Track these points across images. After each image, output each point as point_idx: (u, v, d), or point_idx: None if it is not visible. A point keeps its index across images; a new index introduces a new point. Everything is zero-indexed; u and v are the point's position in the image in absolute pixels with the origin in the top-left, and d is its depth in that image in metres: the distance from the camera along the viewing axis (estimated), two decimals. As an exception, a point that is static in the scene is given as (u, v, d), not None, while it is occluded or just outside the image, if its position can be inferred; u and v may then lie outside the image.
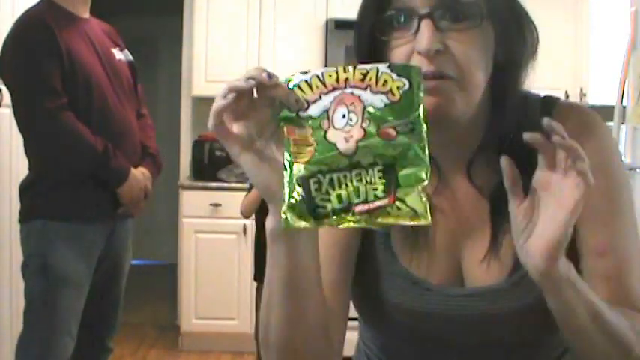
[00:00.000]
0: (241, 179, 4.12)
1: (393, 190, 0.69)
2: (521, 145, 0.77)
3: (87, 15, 2.52)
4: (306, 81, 0.74)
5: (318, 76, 0.73)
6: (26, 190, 2.47)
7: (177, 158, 4.69)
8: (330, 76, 0.73)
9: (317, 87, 0.73)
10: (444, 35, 0.82)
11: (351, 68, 0.73)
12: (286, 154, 0.73)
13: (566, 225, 0.74)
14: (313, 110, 0.73)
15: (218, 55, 4.33)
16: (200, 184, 4.20)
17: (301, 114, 0.73)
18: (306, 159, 0.71)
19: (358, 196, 0.70)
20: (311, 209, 0.70)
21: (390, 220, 0.69)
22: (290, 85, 0.74)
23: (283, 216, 0.71)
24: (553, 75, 4.31)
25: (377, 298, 0.94)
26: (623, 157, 2.67)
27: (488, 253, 0.90)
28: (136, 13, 5.67)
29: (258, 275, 3.07)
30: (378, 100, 0.72)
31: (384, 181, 0.70)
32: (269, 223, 0.79)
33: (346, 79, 0.73)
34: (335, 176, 0.71)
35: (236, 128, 0.75)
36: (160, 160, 2.66)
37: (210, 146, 4.35)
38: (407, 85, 0.72)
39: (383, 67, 0.73)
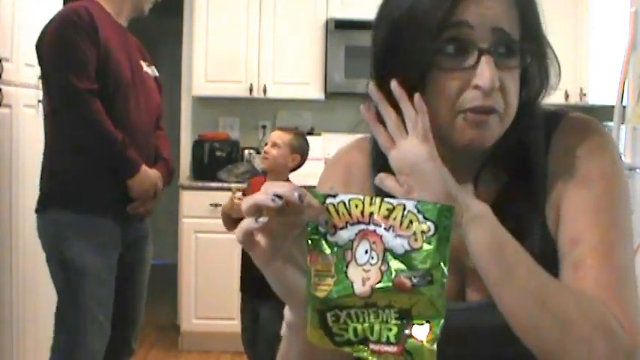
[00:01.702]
0: (241, 179, 4.13)
1: (404, 339, 0.70)
2: (522, 157, 0.81)
3: (125, 25, 2.62)
4: (333, 205, 0.72)
5: (344, 204, 0.72)
6: (42, 178, 2.51)
7: (177, 158, 4.69)
8: (357, 206, 0.72)
9: (343, 215, 0.72)
10: (500, 73, 0.85)
11: (378, 201, 0.71)
12: (307, 282, 0.73)
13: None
14: (339, 237, 0.72)
15: (218, 55, 4.33)
16: (200, 184, 4.20)
17: (329, 237, 0.72)
18: (324, 293, 0.72)
19: (372, 334, 0.71)
20: (329, 336, 0.73)
21: None
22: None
23: (308, 330, 0.74)
24: (553, 75, 4.31)
25: None
26: (623, 157, 2.66)
27: None
28: (136, 13, 5.67)
29: (243, 287, 3.08)
30: (399, 246, 0.70)
31: (398, 322, 0.71)
32: (287, 315, 0.80)
33: (371, 214, 0.71)
34: (352, 311, 0.72)
35: (262, 240, 0.74)
36: (172, 166, 2.71)
37: (210, 146, 4.36)
38: (432, 231, 0.70)
39: (411, 205, 0.71)
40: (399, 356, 0.70)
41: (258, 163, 4.41)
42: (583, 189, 0.90)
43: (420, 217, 0.70)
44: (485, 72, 0.83)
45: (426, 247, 0.70)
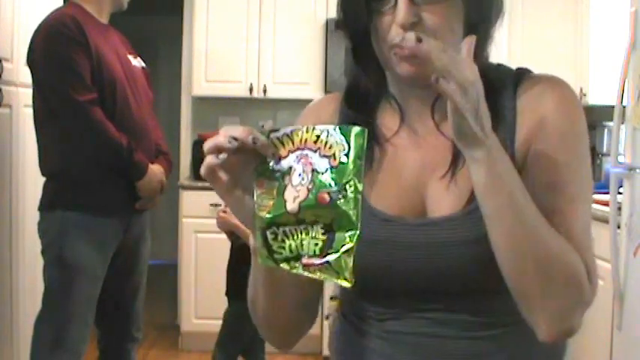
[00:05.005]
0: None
1: (325, 252, 0.79)
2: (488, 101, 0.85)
3: (106, 22, 2.63)
4: (278, 138, 0.82)
5: (287, 135, 0.82)
6: (49, 180, 2.54)
7: (177, 158, 4.68)
8: (297, 135, 0.81)
9: (287, 144, 0.82)
10: (419, 8, 0.92)
11: (311, 128, 0.81)
12: (253, 205, 0.83)
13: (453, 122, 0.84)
14: (282, 165, 0.82)
15: (218, 55, 4.33)
16: (200, 184, 4.20)
17: (274, 166, 0.82)
18: (265, 212, 0.82)
19: (302, 249, 0.80)
20: (270, 254, 0.82)
21: (323, 276, 0.80)
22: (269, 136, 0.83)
23: (258, 251, 0.83)
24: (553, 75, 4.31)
25: None
26: (622, 157, 2.66)
27: (448, 184, 0.98)
28: (135, 13, 5.66)
29: (230, 293, 3.06)
30: (322, 165, 0.79)
31: (324, 238, 0.80)
32: (251, 241, 0.89)
33: (306, 140, 0.81)
34: (287, 229, 0.81)
35: (222, 175, 0.84)
36: (171, 158, 2.77)
37: (210, 146, 4.35)
38: (346, 149, 0.79)
39: (332, 129, 0.80)
40: (322, 267, 0.79)
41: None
42: (559, 140, 0.96)
43: (338, 138, 0.79)
44: (399, 10, 0.92)
45: (341, 165, 0.78)
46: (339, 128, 0.80)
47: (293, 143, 0.81)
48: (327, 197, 0.78)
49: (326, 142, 0.79)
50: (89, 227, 2.46)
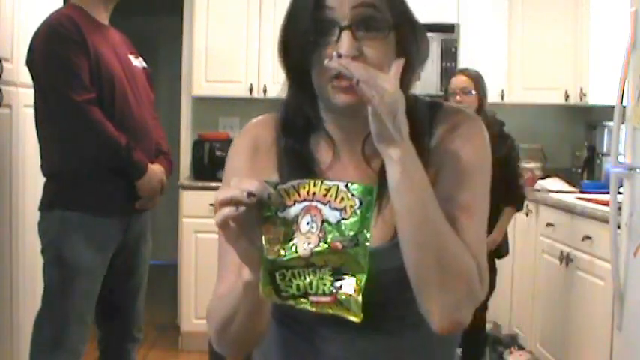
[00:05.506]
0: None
1: (336, 291, 0.89)
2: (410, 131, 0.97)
3: (107, 23, 2.64)
4: (285, 189, 0.91)
5: (294, 187, 0.91)
6: (49, 180, 2.55)
7: (177, 158, 4.68)
8: (304, 188, 0.91)
9: (293, 195, 0.91)
10: (360, 43, 1.01)
11: (319, 183, 0.90)
12: (261, 248, 0.91)
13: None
14: (288, 214, 0.91)
15: (218, 55, 4.33)
16: (200, 184, 4.20)
17: (279, 214, 0.91)
18: (274, 256, 0.90)
19: (311, 288, 0.90)
20: (277, 292, 0.91)
21: (331, 311, 0.90)
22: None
23: (261, 288, 0.91)
24: (553, 75, 4.31)
25: None
26: (622, 157, 2.66)
27: (376, 218, 1.06)
28: (135, 13, 5.66)
29: None
30: (333, 217, 0.89)
31: (332, 279, 0.90)
32: (246, 275, 0.96)
33: (314, 193, 0.90)
34: (295, 270, 0.90)
35: (231, 224, 0.92)
36: (171, 158, 2.78)
37: (210, 146, 4.36)
38: (357, 205, 0.89)
39: (342, 185, 0.90)
40: (333, 304, 0.89)
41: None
42: (462, 163, 1.09)
43: (349, 194, 0.89)
44: (343, 43, 1.00)
45: (353, 217, 0.89)
46: (348, 185, 0.90)
47: (299, 195, 0.90)
48: (339, 245, 0.88)
49: (336, 197, 0.89)
50: (89, 227, 2.47)
